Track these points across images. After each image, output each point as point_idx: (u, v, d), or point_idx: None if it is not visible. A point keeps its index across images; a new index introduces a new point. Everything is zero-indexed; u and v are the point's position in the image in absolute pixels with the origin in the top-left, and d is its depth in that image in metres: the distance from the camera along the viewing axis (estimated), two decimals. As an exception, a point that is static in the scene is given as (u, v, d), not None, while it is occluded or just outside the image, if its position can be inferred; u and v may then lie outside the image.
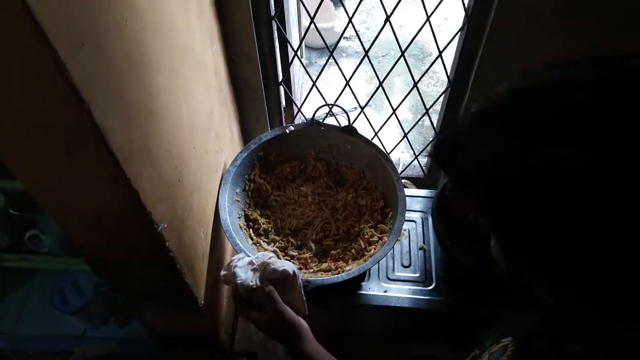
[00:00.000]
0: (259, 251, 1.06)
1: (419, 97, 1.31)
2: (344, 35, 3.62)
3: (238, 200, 1.14)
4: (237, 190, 1.15)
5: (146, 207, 0.71)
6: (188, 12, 0.86)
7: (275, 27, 1.16)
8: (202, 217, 1.01)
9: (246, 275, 0.84)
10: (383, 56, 3.40)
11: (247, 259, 0.88)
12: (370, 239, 1.09)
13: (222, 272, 0.88)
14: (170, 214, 0.82)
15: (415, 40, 1.17)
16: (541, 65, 0.47)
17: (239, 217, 1.13)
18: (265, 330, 0.84)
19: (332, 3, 3.40)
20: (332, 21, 3.35)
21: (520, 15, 1.00)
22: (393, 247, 1.01)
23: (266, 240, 1.12)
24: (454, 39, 1.16)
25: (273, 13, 1.11)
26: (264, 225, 1.14)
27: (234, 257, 0.88)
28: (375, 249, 1.05)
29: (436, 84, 3.20)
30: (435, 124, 1.40)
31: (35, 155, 0.62)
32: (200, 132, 0.96)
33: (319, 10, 1.09)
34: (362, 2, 1.09)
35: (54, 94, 0.52)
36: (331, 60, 1.22)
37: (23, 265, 1.17)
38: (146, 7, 0.68)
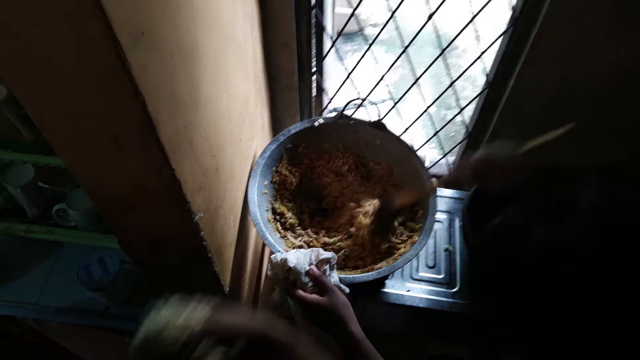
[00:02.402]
0: (286, 245, 1.06)
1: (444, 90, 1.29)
2: (370, 22, 3.58)
3: (266, 193, 1.13)
4: (265, 182, 1.14)
5: (186, 197, 0.71)
6: (234, 1, 0.84)
7: (314, 17, 1.14)
8: (233, 205, 1.01)
9: (297, 260, 0.86)
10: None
11: (293, 251, 0.90)
12: (399, 237, 1.08)
13: (269, 272, 0.89)
14: (206, 203, 0.81)
15: (442, 32, 1.15)
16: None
17: (267, 210, 1.12)
18: (320, 314, 0.84)
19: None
20: (359, 8, 3.30)
21: (569, 21, 0.98)
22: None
23: (293, 234, 1.12)
24: (497, 41, 1.13)
25: (314, 3, 1.09)
26: (291, 220, 1.14)
27: (272, 257, 0.90)
28: (404, 247, 1.05)
29: (462, 78, 3.16)
30: (467, 123, 1.38)
31: (82, 142, 0.62)
32: (236, 121, 0.95)
33: (345, -4, 1.07)
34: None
35: (111, 84, 0.51)
36: (359, 47, 1.20)
37: (49, 238, 1.18)
38: (200, -3, 0.67)
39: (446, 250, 1.19)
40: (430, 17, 1.07)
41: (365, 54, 1.19)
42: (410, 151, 1.18)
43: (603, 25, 0.97)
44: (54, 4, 0.44)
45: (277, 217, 1.14)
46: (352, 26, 1.12)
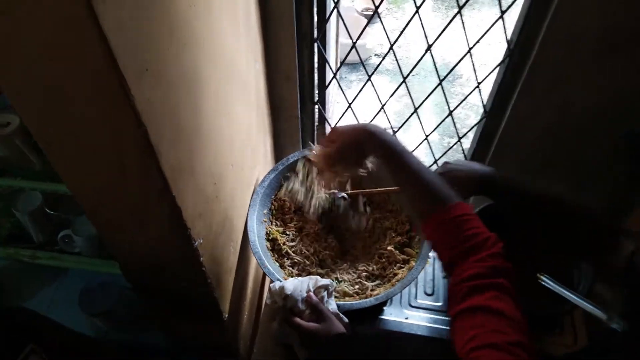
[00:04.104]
0: (284, 272, 1.07)
1: (447, 120, 1.32)
2: (375, 52, 3.65)
3: (265, 221, 1.15)
4: (265, 211, 1.15)
5: (186, 224, 0.73)
6: (237, 34, 0.88)
7: (316, 48, 1.17)
8: (232, 232, 1.03)
9: (294, 287, 0.89)
10: (413, 76, 3.40)
11: (291, 279, 0.93)
12: (397, 263, 1.09)
13: (268, 300, 0.93)
14: (207, 230, 0.83)
15: (446, 62, 1.18)
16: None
17: (267, 239, 1.13)
18: (316, 341, 0.85)
19: (365, 19, 3.43)
20: (364, 38, 3.38)
21: (563, 51, 1.00)
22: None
23: (288, 262, 1.12)
24: (493, 72, 1.16)
25: (316, 35, 1.13)
26: (284, 247, 1.14)
27: (271, 285, 0.92)
28: (402, 273, 1.05)
29: (465, 106, 3.20)
30: (466, 151, 1.40)
31: (86, 168, 0.64)
32: (238, 149, 0.98)
33: (352, 26, 1.10)
34: (396, 21, 1.10)
35: (116, 116, 0.54)
36: (364, 76, 1.23)
37: (54, 264, 1.20)
38: (203, 31, 0.70)
39: (445, 277, 1.19)
40: (427, 49, 1.11)
41: (368, 84, 1.22)
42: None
43: (594, 56, 1.00)
44: (66, 43, 0.47)
45: (271, 243, 1.14)
46: (357, 56, 1.16)
